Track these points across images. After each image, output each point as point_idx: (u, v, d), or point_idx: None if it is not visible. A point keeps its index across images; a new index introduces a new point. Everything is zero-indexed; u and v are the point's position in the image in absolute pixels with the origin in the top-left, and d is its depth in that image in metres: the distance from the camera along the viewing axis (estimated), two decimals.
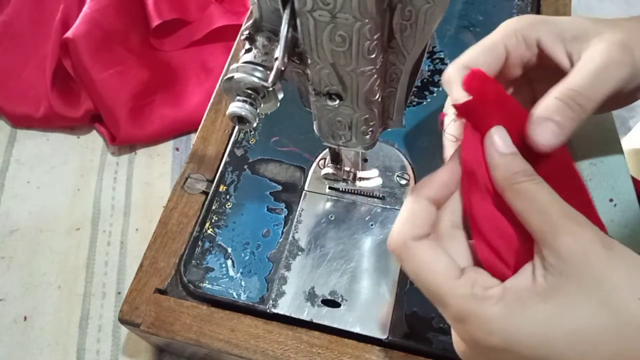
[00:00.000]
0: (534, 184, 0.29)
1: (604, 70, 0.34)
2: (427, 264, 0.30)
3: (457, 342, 0.31)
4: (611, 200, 0.39)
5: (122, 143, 0.58)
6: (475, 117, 0.32)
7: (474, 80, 0.32)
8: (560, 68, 0.37)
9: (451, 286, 0.29)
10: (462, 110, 0.32)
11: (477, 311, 0.28)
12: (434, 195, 0.32)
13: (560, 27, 0.37)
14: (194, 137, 0.55)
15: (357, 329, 0.40)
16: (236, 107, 0.31)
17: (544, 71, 0.39)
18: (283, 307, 0.41)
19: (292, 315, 0.40)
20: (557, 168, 0.33)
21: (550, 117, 0.32)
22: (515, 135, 0.32)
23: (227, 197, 0.46)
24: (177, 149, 0.59)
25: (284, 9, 0.28)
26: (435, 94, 0.50)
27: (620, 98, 0.37)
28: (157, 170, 0.57)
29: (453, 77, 0.36)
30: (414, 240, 0.30)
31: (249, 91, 0.31)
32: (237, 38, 0.56)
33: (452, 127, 0.35)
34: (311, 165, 0.47)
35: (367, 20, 0.26)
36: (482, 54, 0.37)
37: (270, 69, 0.30)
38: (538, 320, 0.27)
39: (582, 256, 0.27)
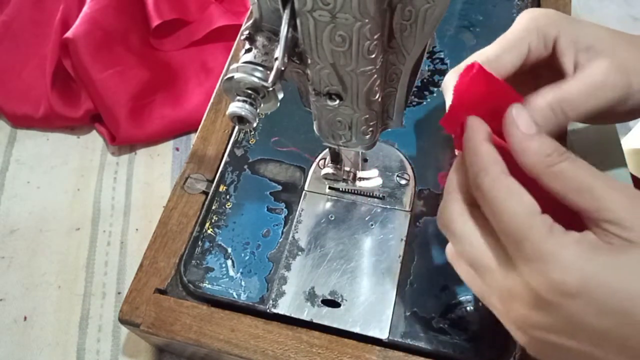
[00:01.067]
0: (571, 162, 0.29)
1: (597, 88, 0.35)
2: (514, 198, 0.29)
3: (510, 296, 0.29)
4: None
5: (122, 143, 0.58)
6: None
7: (474, 79, 0.32)
8: (563, 73, 0.37)
9: (534, 221, 0.28)
10: (450, 119, 0.33)
11: (557, 249, 0.27)
12: (489, 138, 0.31)
13: (578, 33, 0.37)
14: (194, 137, 0.55)
15: (357, 329, 0.40)
16: (236, 107, 0.31)
17: (551, 70, 0.39)
18: (283, 307, 0.41)
19: (292, 315, 0.40)
20: None
21: (536, 114, 0.33)
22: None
23: (227, 197, 0.46)
24: (177, 149, 0.59)
25: (284, 9, 0.28)
26: (435, 94, 0.50)
27: (615, 115, 0.38)
28: (157, 170, 0.57)
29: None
30: (504, 175, 0.30)
31: (249, 91, 0.31)
32: (237, 38, 0.56)
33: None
34: (311, 165, 0.47)
35: (367, 20, 0.26)
36: (507, 51, 0.37)
37: (270, 69, 0.30)
38: (618, 270, 0.26)
39: None
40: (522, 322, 0.29)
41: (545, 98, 0.34)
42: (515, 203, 0.29)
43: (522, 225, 0.28)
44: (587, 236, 0.28)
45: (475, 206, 0.31)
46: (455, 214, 0.32)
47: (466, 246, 0.31)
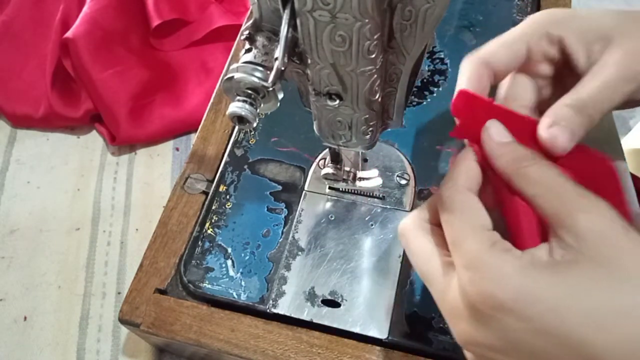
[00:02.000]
0: (542, 166, 0.29)
1: (613, 84, 0.34)
2: (468, 210, 0.29)
3: (454, 310, 0.29)
4: None
5: (122, 143, 0.58)
6: (472, 135, 0.33)
7: (461, 102, 0.33)
8: (578, 68, 0.36)
9: (478, 235, 0.28)
10: (458, 133, 0.33)
11: (493, 262, 0.27)
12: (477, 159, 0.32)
13: (587, 25, 0.36)
14: (194, 137, 0.55)
15: (357, 329, 0.40)
16: (236, 107, 0.31)
17: (571, 69, 0.38)
18: (283, 307, 0.41)
19: (292, 315, 0.40)
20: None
21: (564, 122, 0.33)
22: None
23: (227, 197, 0.46)
24: (177, 149, 0.59)
25: (284, 9, 0.28)
26: (435, 94, 0.50)
27: (632, 102, 0.37)
28: (157, 170, 0.57)
29: (463, 69, 0.36)
30: (466, 190, 0.30)
31: (249, 91, 0.31)
32: (237, 38, 0.56)
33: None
34: (311, 165, 0.47)
35: (367, 20, 0.26)
36: (500, 48, 0.36)
37: (270, 69, 0.30)
38: (553, 289, 0.26)
39: (601, 235, 0.26)
40: (463, 338, 0.29)
41: (566, 101, 0.34)
42: (467, 216, 0.29)
43: (467, 236, 0.28)
44: (531, 253, 0.28)
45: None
46: (411, 224, 0.33)
47: (412, 257, 0.32)
